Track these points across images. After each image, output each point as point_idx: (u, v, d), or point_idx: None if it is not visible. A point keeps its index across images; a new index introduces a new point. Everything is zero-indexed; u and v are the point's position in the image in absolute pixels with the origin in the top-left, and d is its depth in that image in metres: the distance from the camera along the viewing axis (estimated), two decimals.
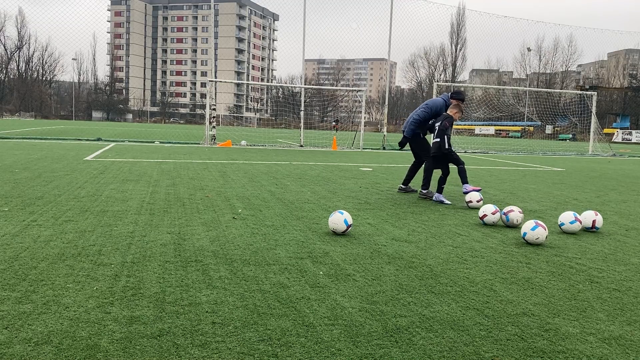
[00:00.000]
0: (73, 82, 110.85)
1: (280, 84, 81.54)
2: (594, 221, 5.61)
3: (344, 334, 2.67)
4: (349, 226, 4.97)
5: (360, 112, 27.17)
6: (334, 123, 46.28)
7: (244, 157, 14.65)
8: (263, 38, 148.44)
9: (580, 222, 5.52)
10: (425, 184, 7.77)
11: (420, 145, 8.22)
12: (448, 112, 7.63)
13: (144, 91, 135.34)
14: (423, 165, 8.04)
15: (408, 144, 8.32)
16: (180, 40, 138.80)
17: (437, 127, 7.58)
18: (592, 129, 27.07)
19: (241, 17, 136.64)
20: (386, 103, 26.14)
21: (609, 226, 5.98)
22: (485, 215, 5.81)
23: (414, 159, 8.45)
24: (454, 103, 7.67)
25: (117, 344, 2.46)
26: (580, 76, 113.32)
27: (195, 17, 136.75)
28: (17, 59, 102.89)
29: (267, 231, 5.03)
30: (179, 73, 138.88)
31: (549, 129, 55.75)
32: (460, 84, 56.95)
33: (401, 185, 8.45)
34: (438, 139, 7.50)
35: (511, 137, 64.16)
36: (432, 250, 4.52)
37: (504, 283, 3.65)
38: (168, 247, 4.26)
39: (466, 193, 7.18)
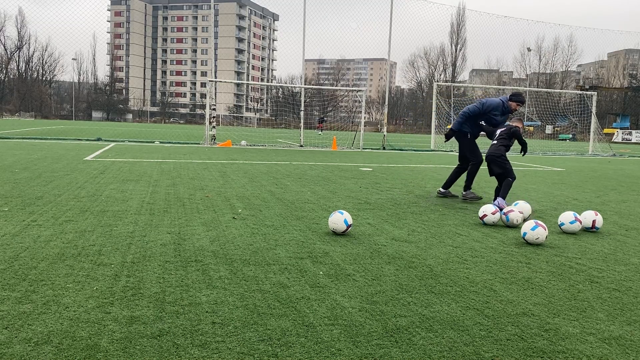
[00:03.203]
0: (73, 82, 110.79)
1: (280, 84, 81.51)
2: (594, 221, 5.61)
3: (344, 334, 2.67)
4: (349, 226, 4.97)
5: (360, 112, 27.17)
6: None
7: (244, 157, 14.65)
8: (263, 38, 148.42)
9: (580, 222, 5.52)
10: (467, 185, 7.55)
11: (468, 146, 7.74)
12: (514, 124, 7.18)
13: (144, 91, 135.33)
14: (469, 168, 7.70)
15: (458, 144, 7.92)
16: (180, 40, 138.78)
17: (498, 133, 7.20)
18: (592, 129, 27.07)
19: (241, 17, 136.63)
20: (386, 103, 26.13)
21: (609, 226, 5.98)
22: (485, 215, 5.81)
23: (457, 162, 8.00)
24: (516, 118, 7.32)
25: (117, 344, 2.46)
26: (580, 76, 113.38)
27: (195, 17, 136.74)
28: (17, 59, 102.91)
29: (267, 231, 5.03)
30: (179, 73, 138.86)
31: (549, 129, 55.72)
32: (460, 84, 56.90)
33: (440, 189, 7.99)
34: (501, 146, 7.08)
35: None
36: (432, 250, 4.52)
37: (504, 283, 3.65)
38: (168, 247, 4.26)
39: (497, 207, 6.23)
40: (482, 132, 7.80)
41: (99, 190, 7.23)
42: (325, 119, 45.98)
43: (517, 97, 7.46)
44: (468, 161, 7.86)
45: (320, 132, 40.09)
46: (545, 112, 38.14)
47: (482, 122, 7.67)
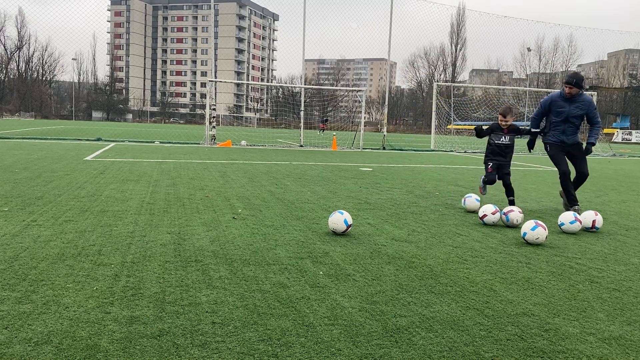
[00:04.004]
0: (73, 82, 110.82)
1: (280, 84, 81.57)
2: (594, 221, 5.61)
3: (344, 334, 2.67)
4: (349, 226, 4.97)
5: (360, 112, 27.17)
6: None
7: (244, 157, 14.65)
8: (263, 38, 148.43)
9: (580, 222, 5.52)
10: (571, 199, 6.90)
11: (550, 156, 7.17)
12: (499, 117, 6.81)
13: (144, 91, 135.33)
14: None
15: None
16: (180, 40, 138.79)
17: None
18: None
19: (241, 17, 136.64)
20: (386, 103, 26.13)
21: (609, 226, 5.98)
22: (485, 215, 5.81)
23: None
24: (505, 106, 6.73)
25: (117, 344, 2.46)
26: None
27: (195, 17, 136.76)
28: (17, 59, 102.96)
29: (267, 231, 5.03)
30: (179, 73, 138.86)
31: None
32: (460, 84, 56.87)
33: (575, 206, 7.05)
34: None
35: None
36: (432, 250, 4.52)
37: (504, 283, 3.65)
38: (168, 247, 4.26)
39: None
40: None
41: (99, 190, 7.23)
42: (326, 119, 46.57)
43: (566, 79, 6.92)
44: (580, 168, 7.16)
45: (319, 132, 40.25)
46: None
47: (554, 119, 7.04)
